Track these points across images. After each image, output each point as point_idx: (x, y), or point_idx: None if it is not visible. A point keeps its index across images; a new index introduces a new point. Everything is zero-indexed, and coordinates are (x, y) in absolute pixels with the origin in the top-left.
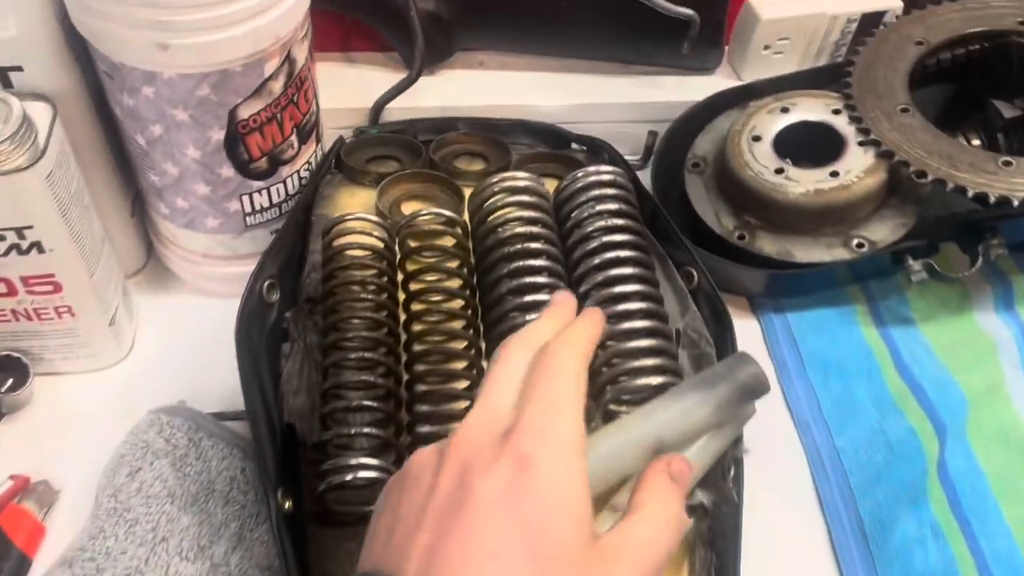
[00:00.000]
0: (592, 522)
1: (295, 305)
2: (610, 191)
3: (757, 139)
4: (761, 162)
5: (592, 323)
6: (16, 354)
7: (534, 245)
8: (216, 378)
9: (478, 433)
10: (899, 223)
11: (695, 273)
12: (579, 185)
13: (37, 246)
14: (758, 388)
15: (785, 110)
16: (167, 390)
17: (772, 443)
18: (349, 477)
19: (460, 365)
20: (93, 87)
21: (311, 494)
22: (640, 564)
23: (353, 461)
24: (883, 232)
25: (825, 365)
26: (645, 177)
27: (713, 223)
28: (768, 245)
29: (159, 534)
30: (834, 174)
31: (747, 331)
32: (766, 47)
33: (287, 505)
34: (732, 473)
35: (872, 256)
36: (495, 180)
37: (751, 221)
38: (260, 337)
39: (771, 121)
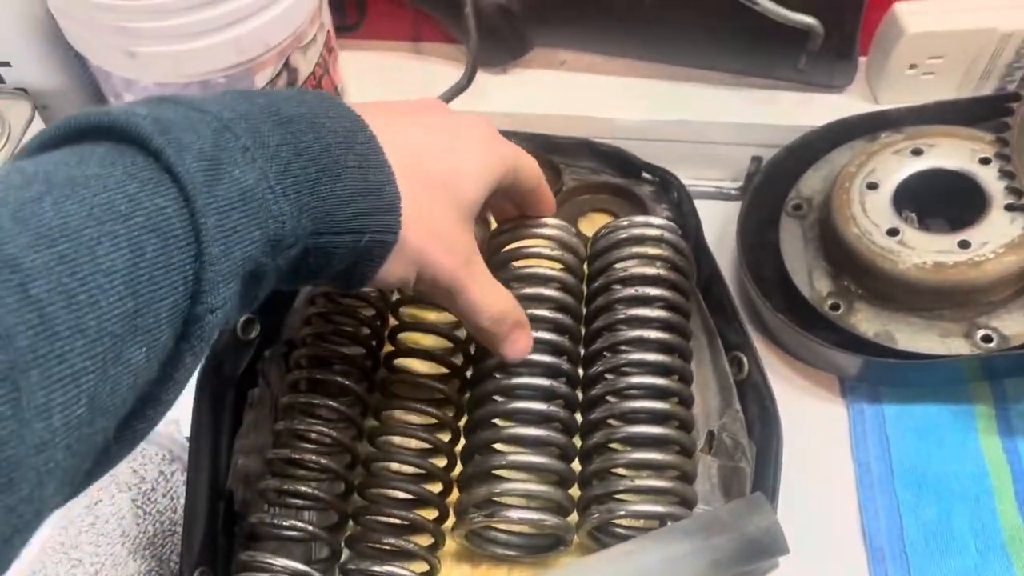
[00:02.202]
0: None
1: (274, 344)
2: (652, 250)
3: (873, 187)
4: (872, 217)
5: None
6: None
7: (539, 312)
8: None
9: None
10: None
11: (746, 360)
12: (616, 238)
13: None
14: (770, 547)
15: (917, 152)
16: None
17: (831, 572)
18: None
19: (426, 446)
20: (91, 86)
21: None
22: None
23: (273, 561)
24: (1021, 325)
25: (921, 480)
26: (735, 214)
27: (803, 284)
28: (866, 322)
29: None
30: (964, 244)
31: (829, 419)
32: (912, 66)
33: None
34: None
35: (1002, 355)
36: (518, 222)
37: (850, 288)
38: (231, 378)
39: (896, 165)
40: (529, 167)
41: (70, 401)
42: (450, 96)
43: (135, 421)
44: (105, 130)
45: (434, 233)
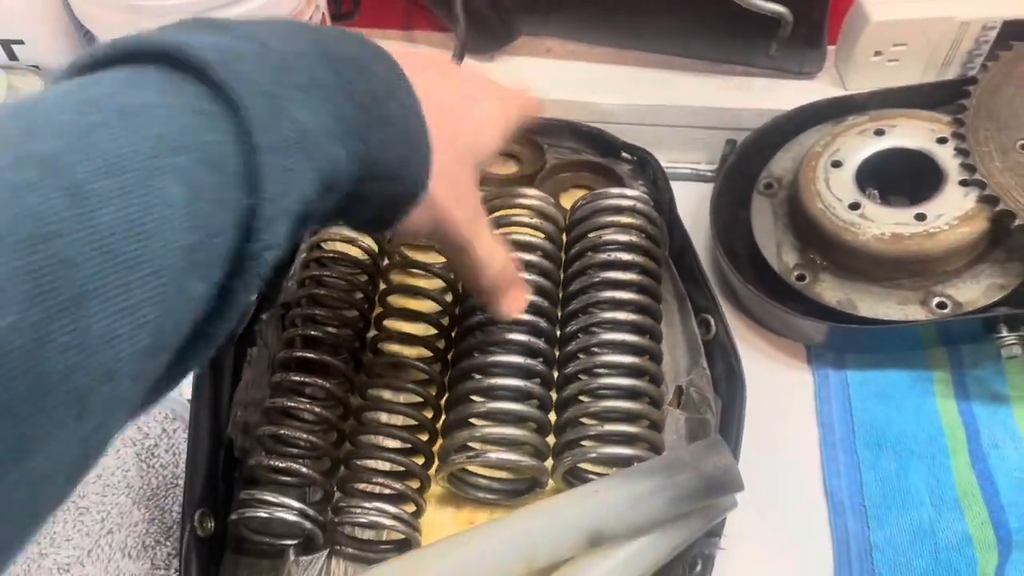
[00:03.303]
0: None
1: (271, 307)
2: (626, 219)
3: (837, 165)
4: (835, 193)
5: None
6: None
7: (522, 275)
8: None
9: None
10: (995, 284)
11: (713, 322)
12: (593, 208)
13: None
14: (728, 484)
15: (880, 132)
16: None
17: (795, 523)
18: (263, 515)
19: (414, 399)
20: None
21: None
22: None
23: (272, 498)
24: (973, 292)
25: (880, 439)
26: (710, 193)
27: (772, 257)
28: (830, 291)
29: (107, 526)
30: (920, 217)
31: (796, 384)
32: (877, 53)
33: (208, 526)
34: (697, 570)
35: (955, 320)
36: (502, 194)
37: (816, 260)
38: (231, 336)
39: (859, 144)
40: (534, 106)
41: (134, 332)
42: None
43: (187, 356)
44: (159, 55)
45: (453, 187)
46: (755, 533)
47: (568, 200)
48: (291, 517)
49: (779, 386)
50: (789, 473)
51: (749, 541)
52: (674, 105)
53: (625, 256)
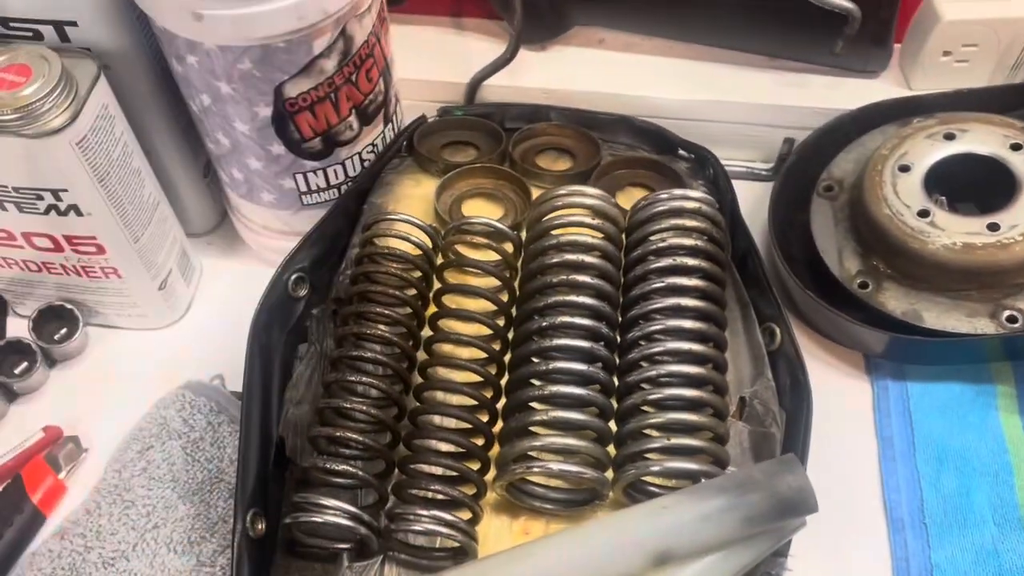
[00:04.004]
0: None
1: (324, 302)
2: (691, 222)
3: (905, 169)
4: (903, 199)
5: None
6: (69, 305)
7: (581, 278)
8: None
9: None
10: None
11: (778, 331)
12: (655, 210)
13: (75, 209)
14: (801, 505)
15: (950, 136)
16: (213, 360)
17: (852, 540)
18: (318, 519)
19: (470, 403)
20: (154, 48)
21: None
22: None
23: (324, 501)
24: None
25: (942, 455)
26: (767, 194)
27: (833, 263)
28: (894, 300)
29: (153, 520)
30: (993, 227)
31: (854, 394)
32: (946, 53)
33: (260, 527)
34: None
35: None
36: (559, 193)
37: (879, 268)
38: (280, 334)
39: (928, 148)
40: None
41: None
42: (491, 71)
43: None
44: None
45: None
46: (811, 549)
47: (624, 199)
48: (346, 522)
49: (836, 397)
50: (846, 487)
51: (804, 559)
52: (730, 101)
53: (690, 261)
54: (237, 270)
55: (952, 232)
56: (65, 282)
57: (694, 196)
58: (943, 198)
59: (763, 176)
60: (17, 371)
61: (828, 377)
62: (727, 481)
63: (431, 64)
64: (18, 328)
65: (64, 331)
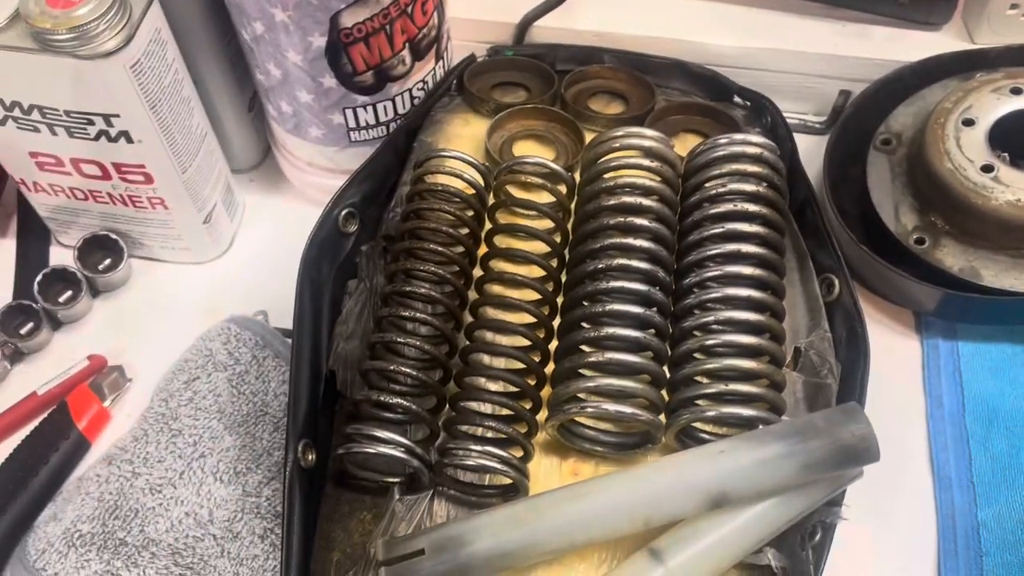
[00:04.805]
0: None
1: (373, 239)
2: (752, 168)
3: (969, 123)
4: (967, 153)
5: None
6: (114, 235)
7: (639, 221)
8: None
9: None
10: None
11: (837, 283)
12: (716, 155)
13: (125, 135)
14: (863, 454)
15: (1016, 91)
16: (255, 296)
17: (898, 496)
18: (370, 451)
19: (522, 343)
20: None
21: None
22: None
23: (378, 433)
24: None
25: (991, 415)
26: (821, 145)
27: (889, 218)
28: (951, 257)
29: (199, 450)
30: None
31: (904, 354)
32: (1014, 6)
33: (310, 457)
34: (816, 539)
35: None
36: (616, 134)
37: (937, 224)
38: (330, 270)
39: (993, 103)
40: None
41: None
42: (542, 12)
43: None
44: None
45: None
46: (857, 504)
47: (679, 145)
48: (399, 454)
49: (885, 354)
50: (893, 445)
51: (849, 513)
52: (787, 50)
53: (750, 207)
54: (279, 208)
55: (1017, 188)
56: (111, 212)
57: (755, 141)
58: (1006, 155)
59: (816, 129)
60: (62, 299)
61: (878, 334)
62: (787, 427)
63: (480, 2)
64: (62, 257)
65: (108, 261)
